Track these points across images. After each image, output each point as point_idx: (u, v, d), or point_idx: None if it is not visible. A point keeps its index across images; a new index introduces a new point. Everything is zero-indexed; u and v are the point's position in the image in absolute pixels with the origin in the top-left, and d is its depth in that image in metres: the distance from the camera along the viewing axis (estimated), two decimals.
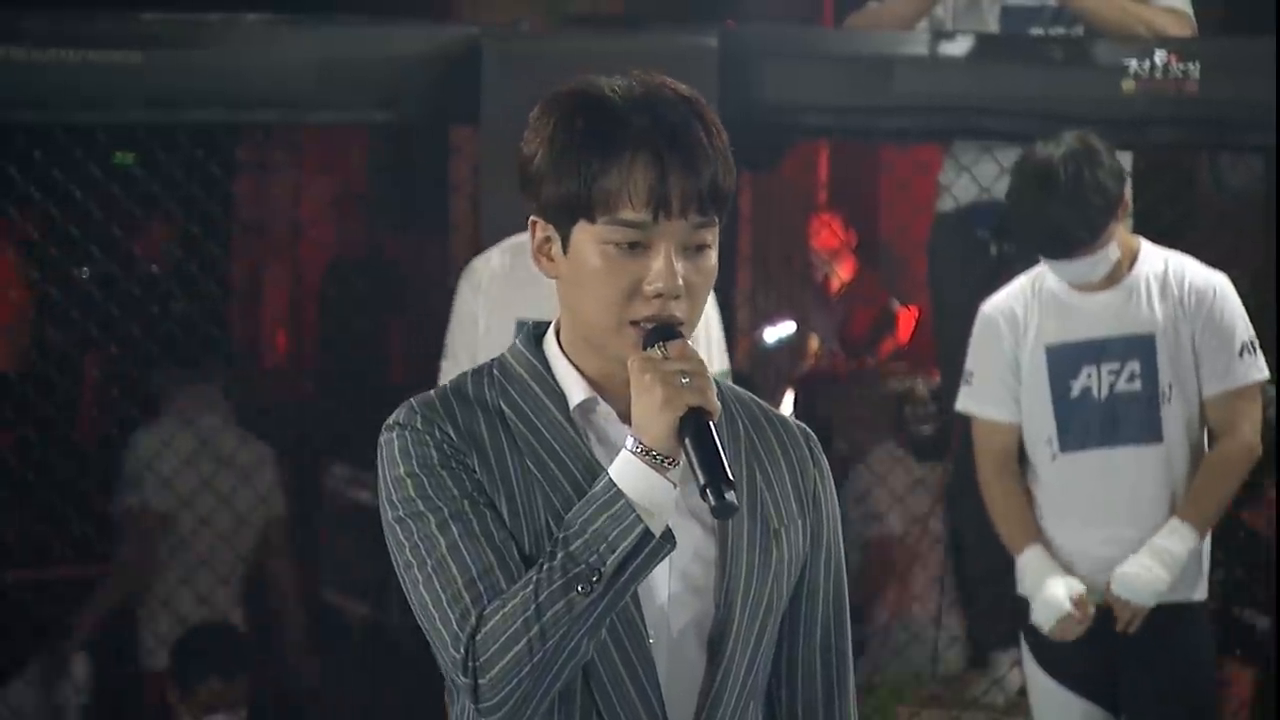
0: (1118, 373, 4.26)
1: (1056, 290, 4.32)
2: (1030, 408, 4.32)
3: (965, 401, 4.43)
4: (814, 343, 7.97)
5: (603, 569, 2.07)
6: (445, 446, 2.18)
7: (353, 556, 6.64)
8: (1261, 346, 4.29)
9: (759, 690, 2.28)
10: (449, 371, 4.56)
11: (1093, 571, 4.25)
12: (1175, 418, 4.25)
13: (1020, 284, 4.39)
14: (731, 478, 2.07)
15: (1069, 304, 4.30)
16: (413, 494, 2.17)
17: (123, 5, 5.14)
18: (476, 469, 2.18)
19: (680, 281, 2.14)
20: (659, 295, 2.13)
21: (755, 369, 7.53)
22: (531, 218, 2.23)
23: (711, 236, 2.17)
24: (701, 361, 2.13)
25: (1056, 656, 4.30)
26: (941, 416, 6.10)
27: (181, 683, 5.47)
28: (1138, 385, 4.25)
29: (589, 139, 2.14)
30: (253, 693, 5.61)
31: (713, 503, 2.07)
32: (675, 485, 2.10)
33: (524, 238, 4.41)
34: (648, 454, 2.09)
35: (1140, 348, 4.26)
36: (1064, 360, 4.29)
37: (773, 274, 8.40)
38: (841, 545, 2.37)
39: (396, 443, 2.19)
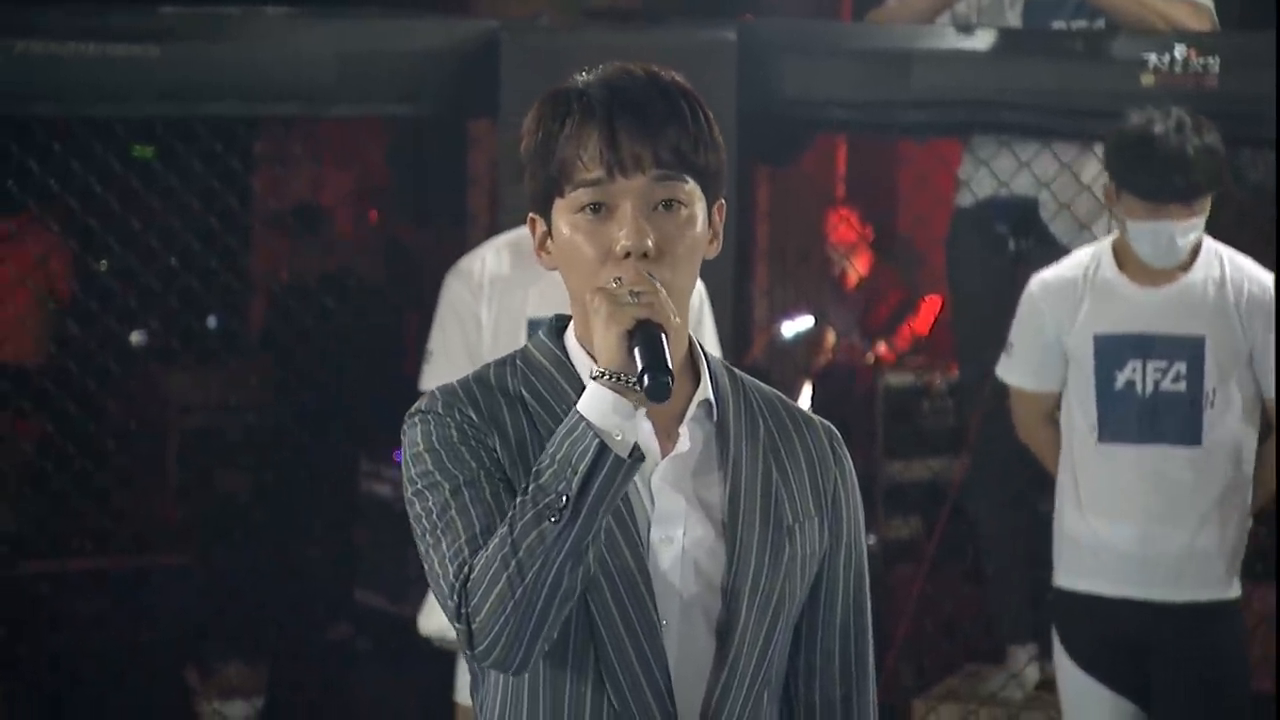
0: (1164, 371, 4.22)
1: (1111, 279, 4.27)
2: (1074, 391, 4.30)
3: (1004, 370, 4.45)
4: (831, 337, 7.97)
5: (570, 493, 2.08)
6: (466, 427, 2.21)
7: (372, 549, 6.66)
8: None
9: (773, 683, 2.29)
10: (440, 376, 4.28)
11: (1125, 569, 4.22)
12: (1218, 422, 4.21)
13: (1078, 261, 4.35)
14: (671, 368, 2.09)
15: (1123, 294, 4.26)
16: (430, 467, 2.20)
17: None
18: (498, 449, 2.20)
19: (649, 240, 2.16)
20: (628, 255, 2.16)
21: (773, 363, 7.53)
22: (530, 216, 2.27)
23: (684, 194, 2.19)
24: (654, 284, 2.14)
25: (1088, 649, 4.28)
26: (960, 411, 6.09)
27: (203, 666, 5.47)
28: (1182, 386, 4.21)
29: (552, 124, 2.19)
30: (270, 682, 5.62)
31: (646, 383, 2.08)
32: (635, 406, 2.10)
33: (516, 234, 4.44)
34: (604, 376, 2.11)
35: (1189, 349, 4.22)
36: (1111, 350, 4.26)
37: (790, 268, 8.41)
38: (864, 543, 2.38)
39: (419, 427, 2.23)
